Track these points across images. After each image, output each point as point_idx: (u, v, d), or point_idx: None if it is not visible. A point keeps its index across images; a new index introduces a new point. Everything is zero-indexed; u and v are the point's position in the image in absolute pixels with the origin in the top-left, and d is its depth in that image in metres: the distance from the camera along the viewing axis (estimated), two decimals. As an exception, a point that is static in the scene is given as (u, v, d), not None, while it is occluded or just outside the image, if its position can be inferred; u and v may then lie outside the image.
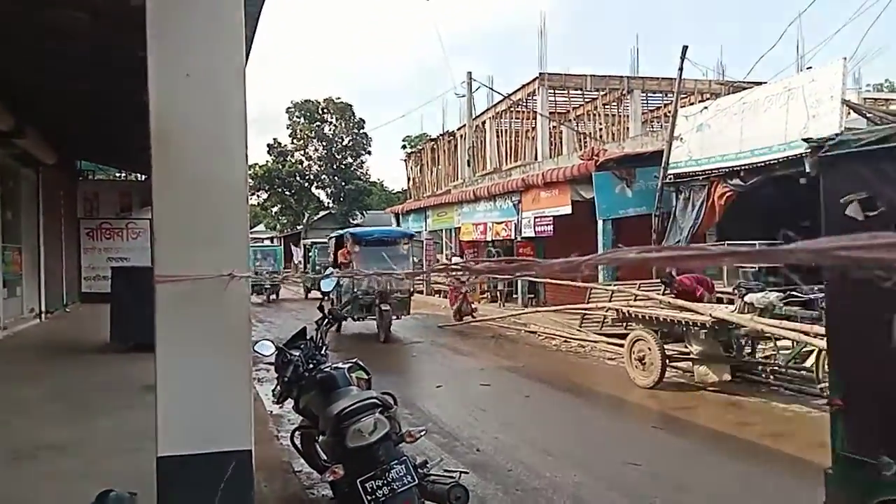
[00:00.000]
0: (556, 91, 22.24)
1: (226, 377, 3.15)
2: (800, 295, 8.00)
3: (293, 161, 48.33)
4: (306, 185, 48.70)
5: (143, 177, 18.36)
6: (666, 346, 8.28)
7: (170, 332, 3.08)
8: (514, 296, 19.03)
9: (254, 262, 22.60)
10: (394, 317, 13.07)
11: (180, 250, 3.05)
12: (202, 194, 3.06)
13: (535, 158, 21.86)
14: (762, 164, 11.01)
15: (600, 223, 14.58)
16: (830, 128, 9.86)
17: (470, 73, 25.41)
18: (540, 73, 21.61)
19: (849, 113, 10.22)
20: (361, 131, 48.81)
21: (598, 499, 4.74)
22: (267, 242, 41.74)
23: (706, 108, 12.98)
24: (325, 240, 20.92)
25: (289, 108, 48.64)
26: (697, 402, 7.59)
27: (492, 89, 24.96)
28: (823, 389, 6.84)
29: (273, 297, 23.68)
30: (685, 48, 13.36)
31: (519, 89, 22.99)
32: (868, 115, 10.61)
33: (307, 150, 48.70)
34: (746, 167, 11.35)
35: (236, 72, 3.08)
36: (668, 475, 5.31)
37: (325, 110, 48.49)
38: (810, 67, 13.33)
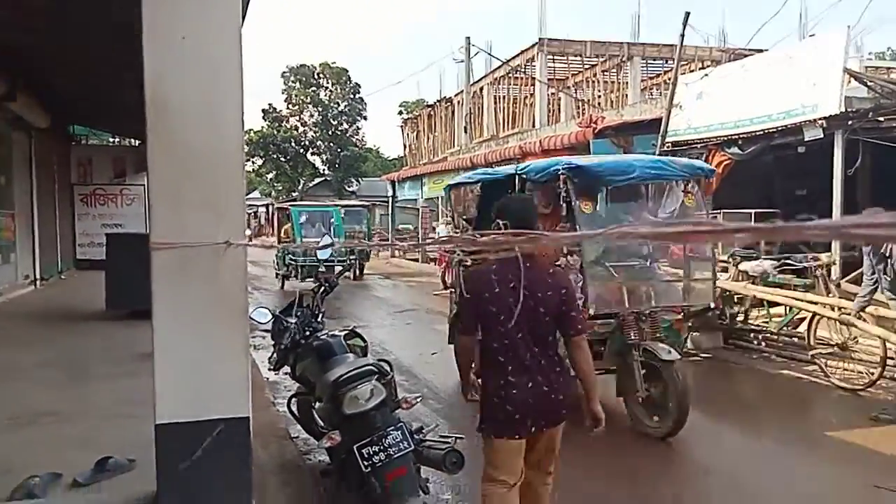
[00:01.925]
0: (556, 57, 21.99)
1: (222, 344, 3.16)
2: (794, 263, 8.04)
3: (288, 127, 47.89)
4: (301, 151, 48.34)
5: (138, 142, 18.18)
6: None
7: (166, 300, 3.08)
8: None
9: (299, 231, 17.27)
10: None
11: (176, 217, 3.03)
12: (198, 160, 3.03)
13: (533, 126, 21.70)
14: (761, 133, 10.95)
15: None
16: (832, 97, 9.80)
17: (468, 38, 25.06)
18: (539, 39, 21.34)
19: (849, 81, 10.14)
20: (357, 96, 48.27)
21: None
22: (317, 203, 24.57)
23: (706, 75, 12.86)
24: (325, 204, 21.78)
25: (284, 72, 48.02)
26: (691, 369, 7.65)
27: (490, 55, 24.67)
28: (814, 356, 6.93)
29: (349, 275, 17.57)
30: (687, 14, 13.15)
31: (518, 55, 22.72)
32: (869, 83, 10.56)
33: (302, 116, 48.23)
34: (745, 135, 11.29)
35: (233, 34, 3.03)
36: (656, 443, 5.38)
37: (321, 75, 47.88)
38: (813, 35, 13.20)
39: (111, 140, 20.48)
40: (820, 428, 5.58)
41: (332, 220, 17.93)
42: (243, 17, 3.24)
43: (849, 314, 6.42)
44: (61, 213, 16.60)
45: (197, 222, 3.02)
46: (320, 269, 14.10)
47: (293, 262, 15.63)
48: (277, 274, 16.66)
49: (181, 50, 2.95)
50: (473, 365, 3.17)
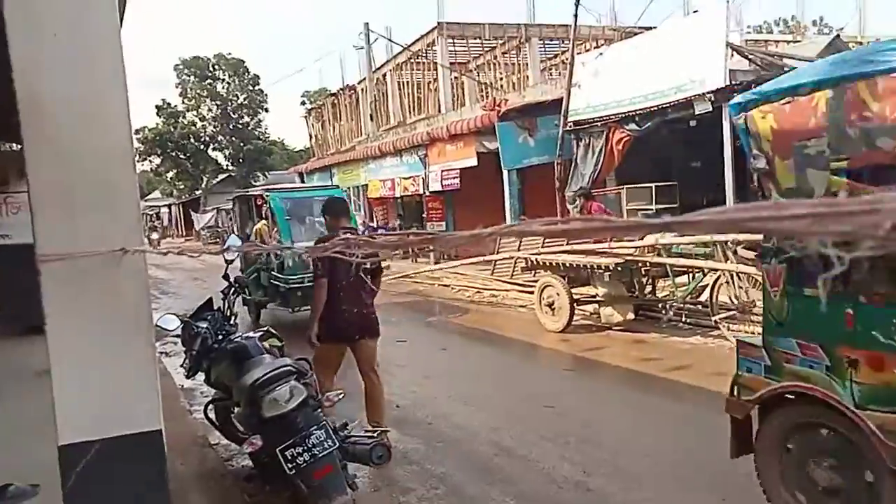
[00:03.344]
0: (456, 41, 22.06)
1: (127, 356, 3.00)
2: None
3: (186, 122, 45.92)
4: (202, 147, 46.48)
5: (19, 146, 16.94)
6: (573, 291, 8.57)
7: (60, 314, 2.88)
8: (427, 250, 19.10)
9: (286, 229, 10.27)
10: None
11: (64, 226, 2.83)
12: (83, 163, 2.83)
13: (439, 111, 21.75)
14: (655, 109, 11.40)
15: (505, 173, 14.77)
16: (717, 71, 10.31)
17: (367, 23, 24.80)
18: (438, 23, 21.34)
19: (732, 55, 10.70)
20: (257, 88, 46.83)
21: (516, 442, 4.90)
22: (305, 187, 18.17)
23: (601, 54, 13.25)
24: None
25: (177, 65, 45.90)
26: (604, 343, 7.94)
27: (390, 40, 24.47)
28: (717, 322, 7.32)
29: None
30: (579, -6, 13.50)
31: (418, 40, 22.65)
32: (750, 56, 11.18)
33: (200, 111, 46.34)
34: (640, 112, 11.73)
35: (110, 29, 2.84)
36: (580, 414, 5.55)
37: (217, 67, 46.08)
38: (696, 11, 13.81)
39: (-11, 145, 18.99)
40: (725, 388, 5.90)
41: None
42: (122, 8, 3.05)
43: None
44: (-63, 228, 15.26)
45: (87, 229, 2.83)
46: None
47: (279, 283, 9.72)
48: (246, 299, 10.42)
49: (53, 48, 2.74)
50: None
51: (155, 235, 36.06)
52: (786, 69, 10.59)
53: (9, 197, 17.14)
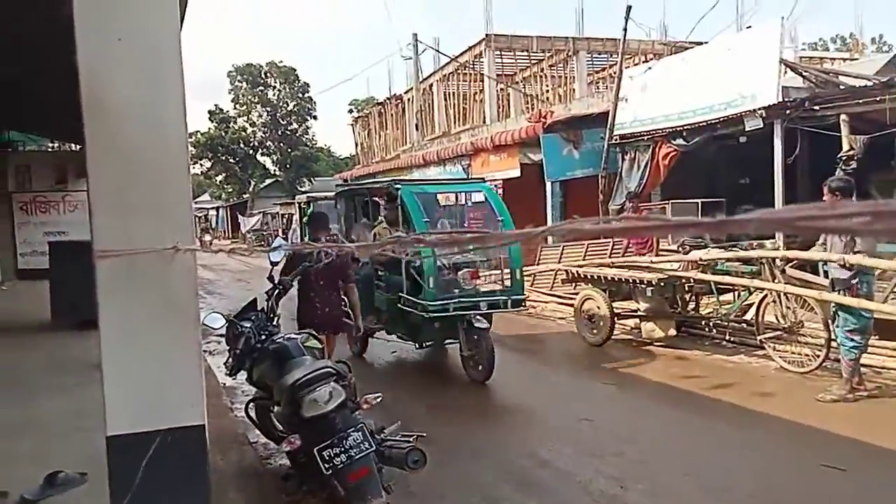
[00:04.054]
0: (503, 53, 22.11)
1: (174, 352, 3.09)
2: (740, 251, 8.27)
3: (236, 128, 47.05)
4: (251, 152, 47.56)
5: (79, 147, 17.61)
6: (614, 304, 8.48)
7: (113, 309, 2.99)
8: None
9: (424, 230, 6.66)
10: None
11: (120, 224, 2.94)
12: (140, 164, 2.95)
13: (484, 122, 21.79)
14: (704, 124, 11.22)
15: (549, 185, 14.70)
16: (769, 87, 10.11)
17: (416, 34, 25.04)
18: (486, 35, 21.41)
19: (785, 71, 10.49)
20: (306, 95, 47.70)
21: (553, 454, 4.87)
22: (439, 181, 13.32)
23: (650, 68, 13.11)
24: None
25: (230, 72, 47.11)
26: (645, 358, 7.83)
27: (438, 51, 24.65)
28: (762, 341, 7.15)
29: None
30: (629, 8, 13.43)
31: (465, 51, 22.76)
32: (804, 73, 10.94)
33: (250, 117, 47.44)
34: (689, 127, 11.56)
35: (171, 34, 2.95)
36: (618, 429, 5.49)
37: (268, 74, 47.15)
38: (750, 27, 13.59)
39: (51, 145, 19.76)
40: (768, 408, 5.76)
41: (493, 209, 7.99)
42: (182, 16, 3.16)
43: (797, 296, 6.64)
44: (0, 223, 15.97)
45: (141, 228, 2.93)
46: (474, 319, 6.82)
47: (411, 308, 7.08)
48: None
49: (118, 51, 2.86)
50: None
51: (207, 237, 36.93)
52: (841, 87, 10.35)
53: (67, 195, 17.85)
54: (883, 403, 5.72)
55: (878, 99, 8.88)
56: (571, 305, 9.51)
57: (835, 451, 4.72)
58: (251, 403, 4.54)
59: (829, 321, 6.18)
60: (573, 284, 9.81)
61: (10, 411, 5.56)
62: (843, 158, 9.05)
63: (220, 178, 49.54)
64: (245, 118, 47.37)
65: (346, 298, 6.06)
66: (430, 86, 25.60)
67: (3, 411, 5.56)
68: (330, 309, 5.86)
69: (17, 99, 11.92)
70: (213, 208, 54.24)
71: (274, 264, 5.17)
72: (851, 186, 5.90)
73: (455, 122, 24.40)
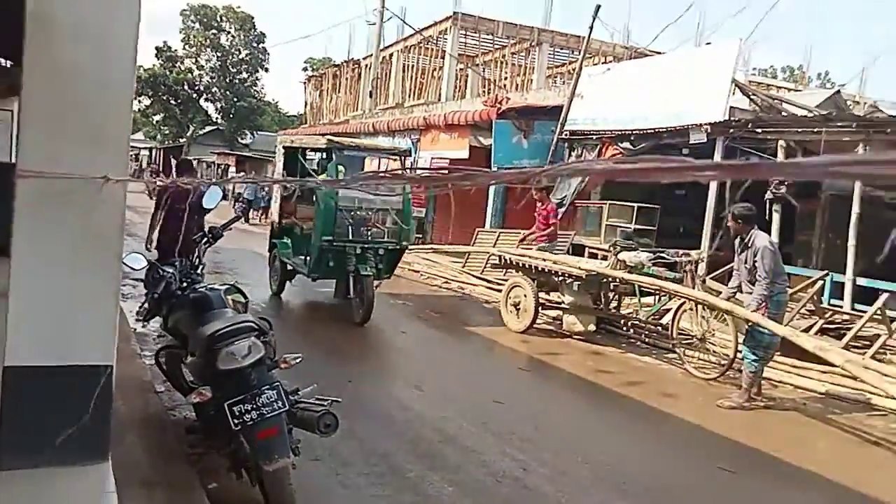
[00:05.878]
0: (468, 33, 21.99)
1: (91, 287, 2.97)
2: (666, 257, 8.57)
3: (183, 69, 45.25)
4: (194, 96, 45.87)
5: (8, 62, 16.55)
6: (540, 295, 8.65)
7: (29, 234, 2.84)
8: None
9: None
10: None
11: (50, 145, 2.79)
12: (81, 86, 2.79)
13: (439, 99, 21.68)
14: (651, 131, 11.51)
15: (494, 170, 14.79)
16: (718, 104, 10.44)
17: (383, 1, 24.56)
18: (454, 13, 21.24)
19: (735, 92, 10.84)
20: (261, 46, 46.27)
21: (461, 432, 4.96)
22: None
23: (609, 69, 13.33)
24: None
25: (184, 10, 45.20)
26: (563, 349, 8.03)
27: (404, 21, 24.29)
28: (675, 345, 7.45)
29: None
30: (598, 7, 13.58)
31: (431, 25, 22.52)
32: (752, 96, 11.33)
33: (199, 59, 45.69)
34: (637, 132, 11.83)
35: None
36: (528, 413, 5.63)
37: (224, 18, 45.46)
38: (709, 44, 13.95)
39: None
40: (671, 409, 6.02)
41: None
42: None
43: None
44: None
45: (73, 152, 2.79)
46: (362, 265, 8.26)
47: (333, 245, 8.25)
48: (276, 268, 9.59)
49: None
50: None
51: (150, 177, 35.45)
52: (783, 113, 10.78)
53: (-10, 113, 16.80)
54: (775, 415, 6.07)
55: (815, 130, 9.30)
56: (499, 291, 9.65)
57: (728, 454, 5.00)
58: (162, 351, 4.42)
59: (740, 333, 6.49)
60: (504, 271, 9.94)
61: None
62: (775, 182, 9.46)
63: (157, 117, 47.63)
64: (193, 60, 45.61)
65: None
66: (391, 55, 25.25)
67: None
68: (184, 236, 6.90)
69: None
70: (145, 148, 52.15)
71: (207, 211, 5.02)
72: (754, 214, 6.32)
73: (410, 96, 24.17)
